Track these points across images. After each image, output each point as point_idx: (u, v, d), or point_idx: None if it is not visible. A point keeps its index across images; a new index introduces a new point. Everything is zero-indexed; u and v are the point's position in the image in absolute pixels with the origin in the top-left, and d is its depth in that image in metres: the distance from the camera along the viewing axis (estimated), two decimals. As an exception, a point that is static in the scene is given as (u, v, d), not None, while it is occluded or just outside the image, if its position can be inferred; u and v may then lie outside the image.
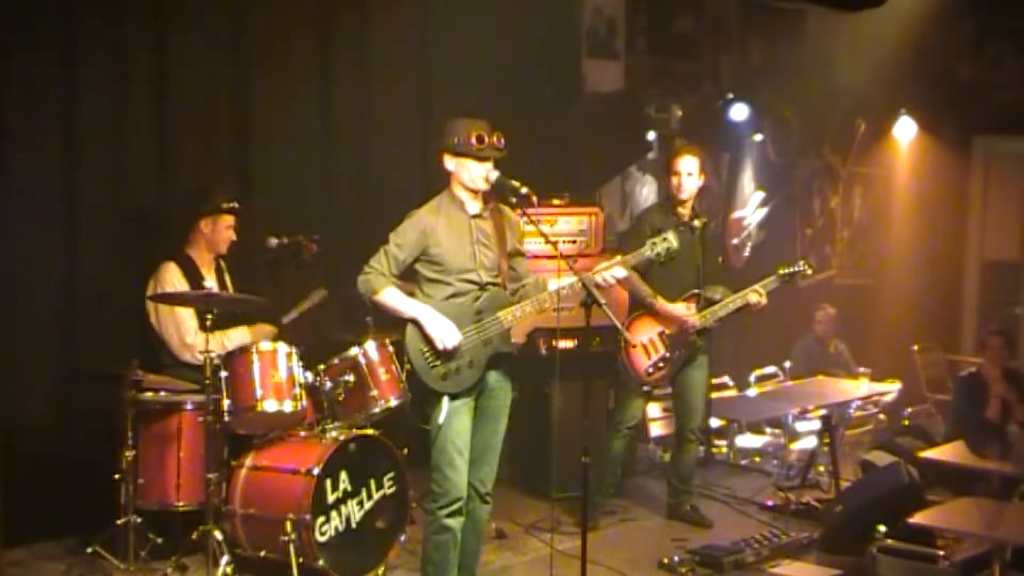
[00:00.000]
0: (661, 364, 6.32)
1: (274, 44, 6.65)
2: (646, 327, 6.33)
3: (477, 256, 4.89)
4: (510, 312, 4.89)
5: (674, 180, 6.35)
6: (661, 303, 6.28)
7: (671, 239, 5.04)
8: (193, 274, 5.78)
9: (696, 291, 6.35)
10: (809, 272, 6.69)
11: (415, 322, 4.82)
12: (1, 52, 5.68)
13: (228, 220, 5.90)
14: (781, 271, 6.49)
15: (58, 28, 5.89)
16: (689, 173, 6.33)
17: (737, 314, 6.46)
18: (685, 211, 6.40)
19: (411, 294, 4.94)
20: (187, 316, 5.70)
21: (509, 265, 5.00)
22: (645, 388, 6.42)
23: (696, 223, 6.36)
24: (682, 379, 6.52)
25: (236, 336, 5.85)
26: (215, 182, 6.17)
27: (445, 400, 4.80)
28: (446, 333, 4.78)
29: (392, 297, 4.87)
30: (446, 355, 4.80)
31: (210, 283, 5.80)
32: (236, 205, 5.92)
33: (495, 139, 4.84)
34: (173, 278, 5.73)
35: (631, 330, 6.27)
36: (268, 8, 6.60)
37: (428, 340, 4.80)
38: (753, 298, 6.36)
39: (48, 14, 5.84)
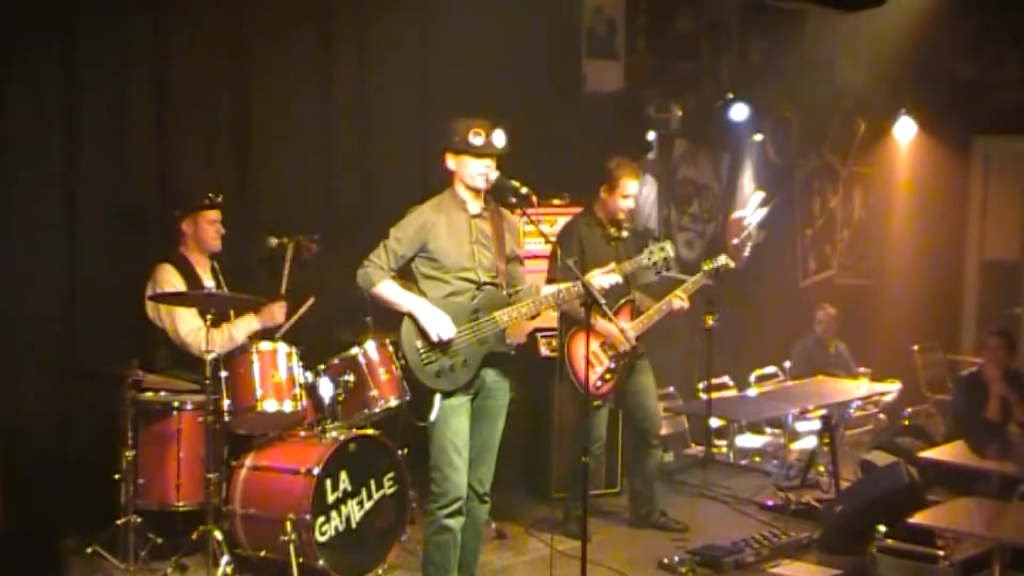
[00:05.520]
0: (608, 375, 6.25)
1: (274, 43, 6.65)
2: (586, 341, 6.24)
3: (476, 255, 4.89)
4: (507, 313, 4.89)
5: (621, 202, 6.26)
6: (600, 322, 6.05)
7: (668, 249, 5.03)
8: (189, 273, 5.76)
9: (630, 297, 6.32)
10: (732, 265, 6.54)
11: (411, 316, 4.82)
12: (1, 52, 5.68)
13: (210, 216, 5.84)
14: (706, 267, 6.43)
15: (58, 28, 5.89)
16: (626, 196, 6.27)
17: (666, 318, 6.41)
18: (609, 224, 6.33)
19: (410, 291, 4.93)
20: (189, 315, 5.67)
21: (506, 268, 4.99)
22: (597, 403, 6.27)
23: (624, 233, 6.27)
24: (633, 386, 6.46)
25: (243, 325, 5.80)
26: (191, 181, 6.12)
27: (438, 397, 4.80)
28: (441, 325, 4.78)
29: (389, 290, 4.88)
30: (440, 350, 4.80)
31: (208, 284, 5.80)
32: (212, 198, 5.84)
33: (495, 137, 4.84)
34: (170, 277, 5.71)
35: (572, 346, 6.17)
36: (268, 7, 6.60)
37: (423, 335, 4.79)
38: (676, 304, 6.33)
39: (48, 14, 5.83)
